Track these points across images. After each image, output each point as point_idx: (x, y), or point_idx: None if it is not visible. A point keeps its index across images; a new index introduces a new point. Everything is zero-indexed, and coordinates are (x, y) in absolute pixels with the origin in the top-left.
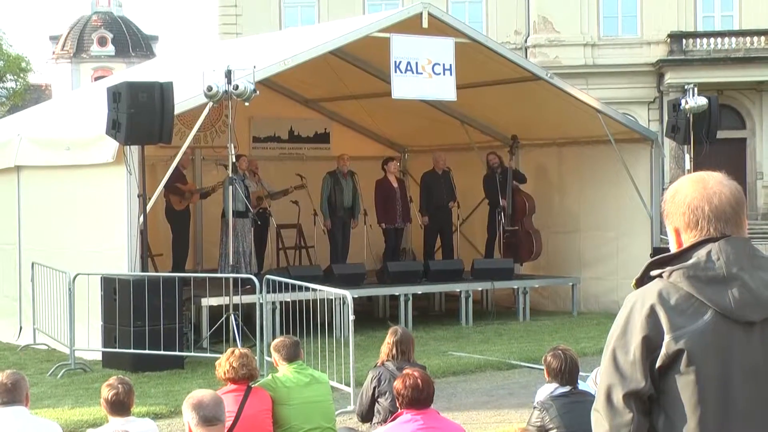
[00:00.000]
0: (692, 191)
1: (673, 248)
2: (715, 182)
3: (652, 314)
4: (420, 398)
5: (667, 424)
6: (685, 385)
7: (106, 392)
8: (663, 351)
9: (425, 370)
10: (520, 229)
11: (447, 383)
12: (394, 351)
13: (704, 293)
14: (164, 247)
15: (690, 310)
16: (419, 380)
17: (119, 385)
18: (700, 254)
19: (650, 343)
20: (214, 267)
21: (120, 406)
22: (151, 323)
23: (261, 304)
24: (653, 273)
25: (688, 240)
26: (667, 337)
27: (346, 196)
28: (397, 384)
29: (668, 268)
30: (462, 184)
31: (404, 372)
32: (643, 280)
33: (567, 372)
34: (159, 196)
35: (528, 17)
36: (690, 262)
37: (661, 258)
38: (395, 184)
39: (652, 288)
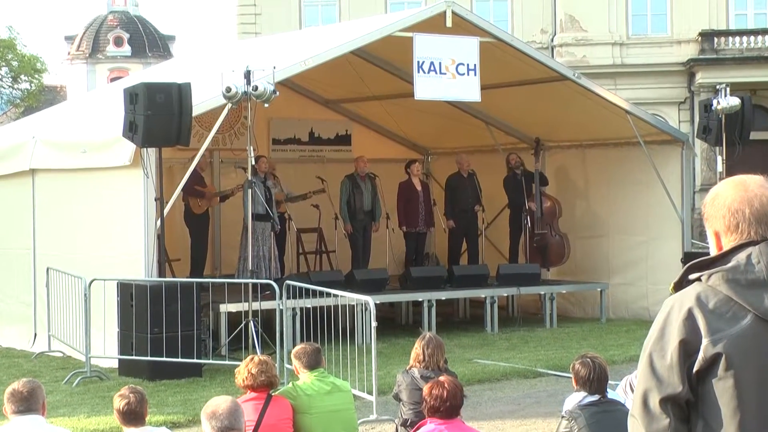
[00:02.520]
0: (733, 194)
1: (713, 252)
2: (756, 185)
3: (689, 318)
4: (445, 408)
5: (706, 431)
6: (723, 390)
7: (117, 402)
8: (701, 355)
9: (456, 377)
10: (550, 233)
11: (472, 391)
12: (422, 356)
13: (744, 297)
14: (182, 251)
15: (729, 313)
16: (446, 390)
17: (131, 395)
18: (740, 257)
19: (688, 347)
20: (233, 272)
21: (133, 416)
22: (169, 330)
23: (281, 311)
24: (691, 276)
25: (728, 243)
26: (705, 341)
27: (366, 199)
28: (425, 391)
29: (707, 272)
30: (487, 186)
31: (435, 380)
32: (681, 283)
33: (596, 380)
34: (177, 200)
35: (554, 15)
36: (729, 265)
37: (700, 261)
38: (419, 187)
39: (691, 291)
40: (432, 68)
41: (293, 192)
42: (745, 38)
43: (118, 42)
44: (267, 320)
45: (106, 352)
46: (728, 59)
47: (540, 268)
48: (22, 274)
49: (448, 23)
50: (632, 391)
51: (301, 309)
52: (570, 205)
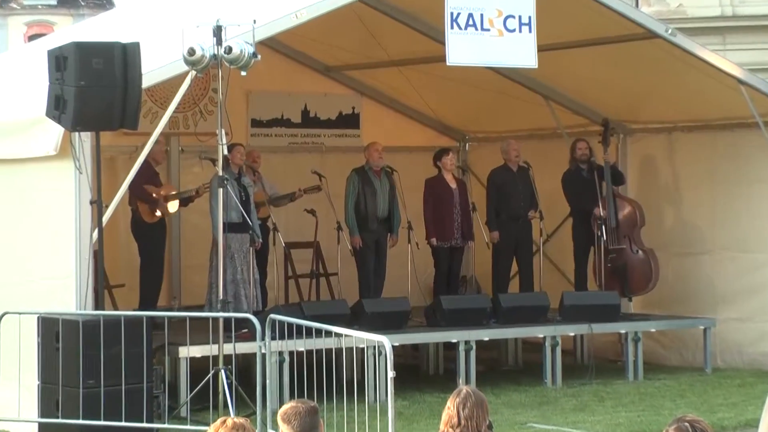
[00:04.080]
0: None
1: None
2: None
3: None
4: None
5: None
6: None
7: None
8: None
9: None
10: (629, 248)
11: None
12: (456, 419)
13: None
14: (128, 274)
15: None
16: None
17: None
18: None
19: None
20: (199, 303)
21: None
22: (109, 383)
23: (263, 355)
24: None
25: None
26: None
27: (381, 202)
28: None
29: None
30: (546, 185)
31: None
32: None
33: None
34: (121, 204)
35: None
36: None
37: None
38: (452, 186)
39: None
40: (470, 23)
41: (279, 192)
42: None
43: None
44: (244, 369)
45: (22, 413)
46: None
47: (619, 297)
48: None
49: None
50: None
51: (291, 353)
52: (657, 210)
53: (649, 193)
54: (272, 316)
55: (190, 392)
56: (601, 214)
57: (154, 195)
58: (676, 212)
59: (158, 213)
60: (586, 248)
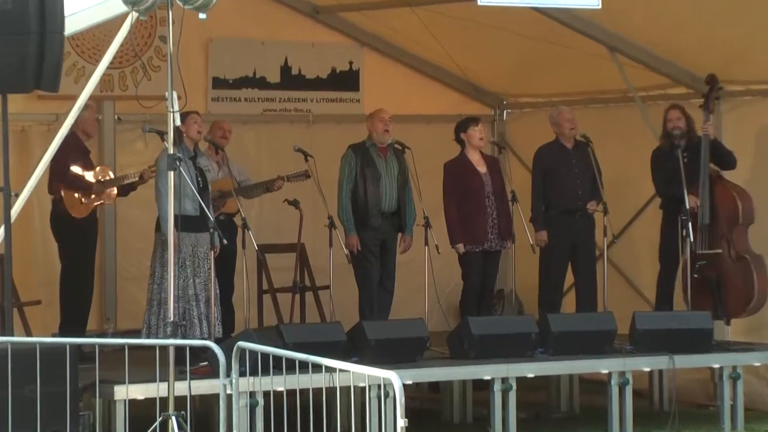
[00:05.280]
0: None
1: None
2: None
3: None
4: None
5: None
6: None
7: None
8: None
9: None
10: (727, 254)
11: None
12: None
13: None
14: (46, 287)
15: None
16: None
17: None
18: None
19: None
20: (139, 326)
21: None
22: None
23: (228, 396)
24: None
25: None
26: None
27: (387, 190)
28: None
29: None
30: (613, 167)
31: None
32: None
33: None
34: (37, 192)
35: None
36: None
37: None
38: (481, 169)
39: None
40: None
41: (251, 179)
42: None
43: None
44: (203, 414)
45: None
46: None
47: (711, 320)
48: None
49: None
50: None
51: (267, 394)
52: None
53: (761, 180)
54: (241, 343)
55: None
56: (690, 205)
57: (83, 180)
58: None
59: (93, 204)
60: (676, 253)
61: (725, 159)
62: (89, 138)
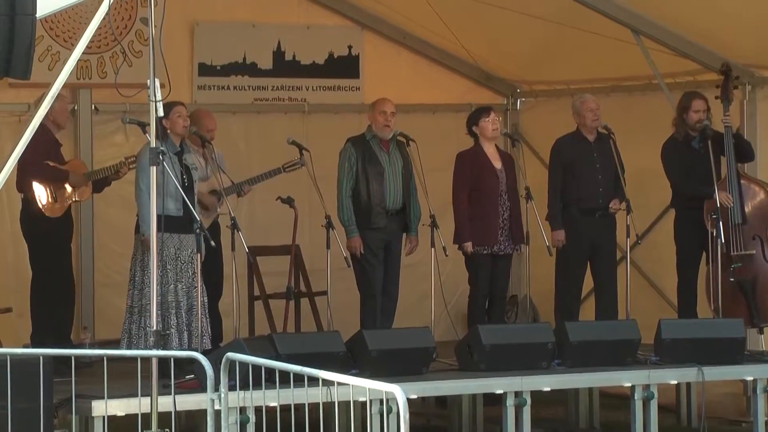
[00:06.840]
0: None
1: None
2: None
3: None
4: None
5: None
6: None
7: None
8: None
9: None
10: (762, 255)
11: None
12: None
13: None
14: (17, 294)
15: None
16: None
17: None
18: None
19: None
20: (119, 335)
21: None
22: None
23: (216, 412)
24: None
25: None
26: None
27: (391, 187)
28: None
29: None
30: (636, 161)
31: None
32: None
33: None
34: (6, 189)
35: None
36: None
37: None
38: (496, 164)
39: None
40: None
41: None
42: None
43: None
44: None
45: None
46: None
47: (744, 328)
48: None
49: None
50: None
51: (258, 410)
52: None
53: None
54: (230, 355)
55: None
56: (720, 203)
57: (58, 174)
58: None
59: (67, 203)
60: (696, 255)
61: (745, 151)
62: (60, 130)
